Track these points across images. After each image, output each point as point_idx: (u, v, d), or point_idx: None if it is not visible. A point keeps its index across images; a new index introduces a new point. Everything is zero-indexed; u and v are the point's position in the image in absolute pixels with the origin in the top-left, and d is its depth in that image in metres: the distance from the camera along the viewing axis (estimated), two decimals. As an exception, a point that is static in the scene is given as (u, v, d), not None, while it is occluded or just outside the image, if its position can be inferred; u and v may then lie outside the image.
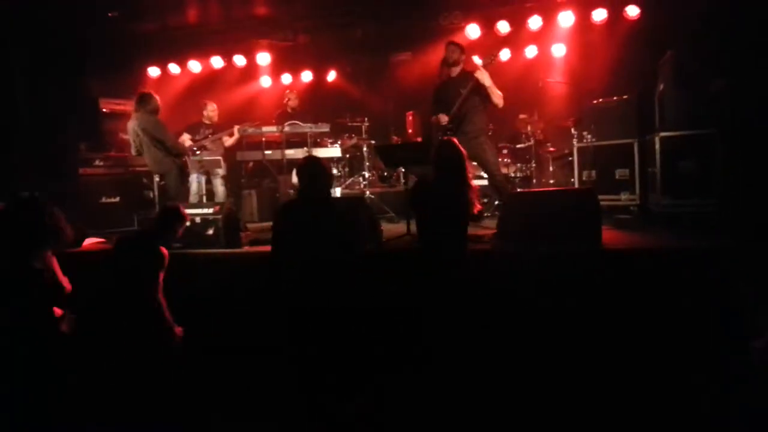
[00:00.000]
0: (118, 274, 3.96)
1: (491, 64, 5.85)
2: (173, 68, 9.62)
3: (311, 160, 4.12)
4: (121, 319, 3.76)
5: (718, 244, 4.40)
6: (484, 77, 5.75)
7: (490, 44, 8.26)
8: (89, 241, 5.98)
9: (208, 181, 7.79)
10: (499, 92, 5.83)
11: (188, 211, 5.60)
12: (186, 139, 7.99)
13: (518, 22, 8.23)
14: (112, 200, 7.67)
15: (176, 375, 3.76)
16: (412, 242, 5.08)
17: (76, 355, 3.38)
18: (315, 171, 3.93)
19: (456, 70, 6.06)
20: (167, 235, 4.15)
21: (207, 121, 7.96)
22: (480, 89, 5.81)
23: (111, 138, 8.32)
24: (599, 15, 7.80)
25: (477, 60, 8.01)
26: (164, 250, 3.94)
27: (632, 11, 7.59)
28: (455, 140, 4.39)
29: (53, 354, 3.18)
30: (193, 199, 7.55)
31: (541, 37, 8.44)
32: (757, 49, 5.62)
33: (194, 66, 9.57)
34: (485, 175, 6.48)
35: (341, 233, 3.86)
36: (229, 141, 7.93)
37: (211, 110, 8.00)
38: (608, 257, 4.38)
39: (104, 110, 8.37)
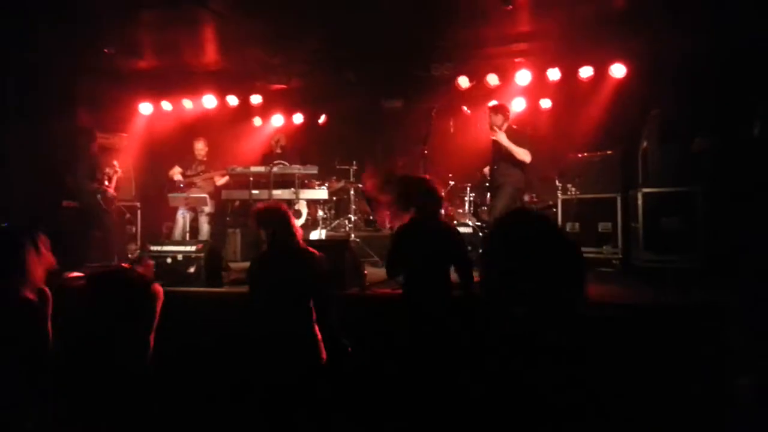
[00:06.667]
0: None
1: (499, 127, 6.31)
2: (165, 105, 9.68)
3: (266, 208, 3.69)
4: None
5: (698, 300, 4.40)
6: (501, 138, 6.19)
7: (480, 95, 8.42)
8: (67, 275, 5.87)
9: (195, 219, 7.79)
10: (520, 150, 6.15)
11: (171, 248, 5.59)
12: (176, 173, 8.01)
13: (507, 76, 8.40)
14: (94, 233, 7.56)
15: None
16: (395, 287, 5.04)
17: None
18: (274, 220, 3.60)
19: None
20: None
21: (199, 158, 8.04)
22: (501, 149, 6.21)
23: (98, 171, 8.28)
24: (586, 72, 7.97)
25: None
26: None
27: (617, 69, 7.76)
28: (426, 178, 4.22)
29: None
30: (177, 235, 7.53)
31: (529, 91, 8.60)
32: (739, 108, 5.78)
33: (186, 104, 9.64)
34: (470, 223, 6.50)
35: (312, 283, 3.56)
36: (220, 181, 8.01)
37: (200, 147, 8.08)
38: (588, 310, 4.36)
39: (93, 143, 8.33)
